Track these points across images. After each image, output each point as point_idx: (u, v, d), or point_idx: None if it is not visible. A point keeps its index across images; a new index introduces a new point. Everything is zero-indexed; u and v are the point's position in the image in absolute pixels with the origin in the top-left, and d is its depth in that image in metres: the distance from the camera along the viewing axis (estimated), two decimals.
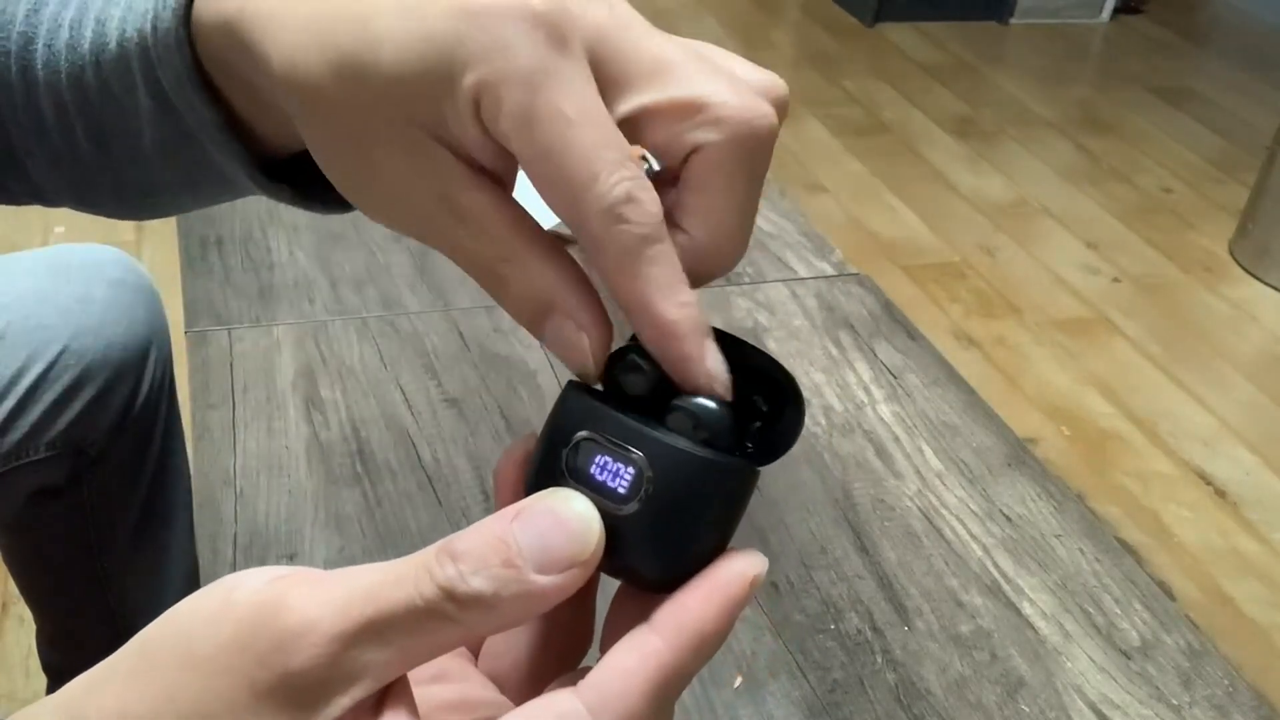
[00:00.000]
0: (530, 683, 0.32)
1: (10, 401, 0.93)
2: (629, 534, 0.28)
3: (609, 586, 0.30)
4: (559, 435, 0.29)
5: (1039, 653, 0.70)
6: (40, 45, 0.40)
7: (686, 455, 0.28)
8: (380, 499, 0.76)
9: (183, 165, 0.39)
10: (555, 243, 0.30)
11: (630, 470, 0.28)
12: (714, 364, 0.29)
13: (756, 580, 0.28)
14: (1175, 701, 0.68)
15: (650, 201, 0.28)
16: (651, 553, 0.28)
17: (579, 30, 0.28)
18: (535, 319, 0.30)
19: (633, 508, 0.28)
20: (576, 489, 0.28)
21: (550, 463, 0.29)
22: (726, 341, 0.31)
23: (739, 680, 0.67)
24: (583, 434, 0.29)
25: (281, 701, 0.25)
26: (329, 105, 0.30)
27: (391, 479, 0.77)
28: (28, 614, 1.22)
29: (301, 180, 0.38)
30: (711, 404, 0.29)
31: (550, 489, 0.27)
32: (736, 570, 0.28)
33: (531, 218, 0.30)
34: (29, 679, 1.41)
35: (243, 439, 0.79)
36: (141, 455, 1.05)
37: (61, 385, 0.95)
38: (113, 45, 0.37)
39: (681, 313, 0.28)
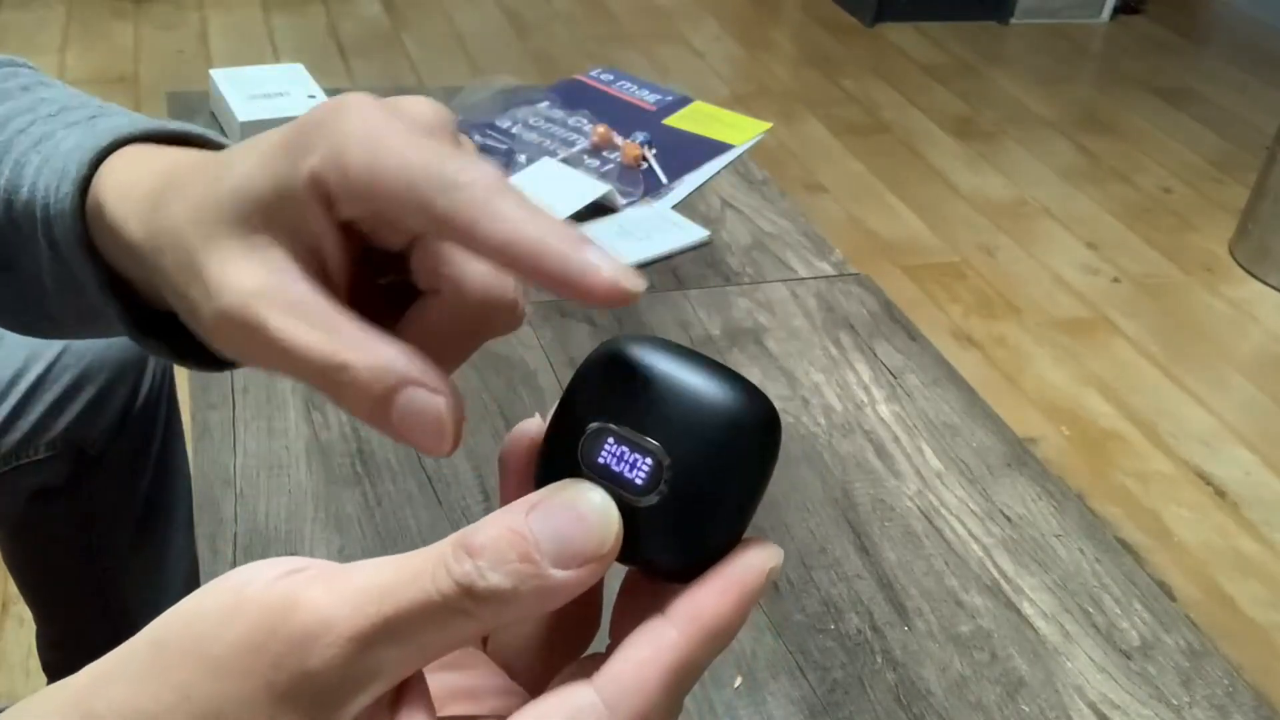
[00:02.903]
0: (539, 667, 0.32)
1: (10, 402, 0.93)
2: (647, 525, 0.27)
3: (617, 569, 0.30)
4: (571, 425, 0.29)
5: (1039, 653, 0.70)
6: None
7: (706, 442, 0.28)
8: (380, 499, 0.76)
9: (75, 306, 0.42)
10: (387, 332, 0.31)
11: (648, 461, 0.28)
12: (596, 256, 0.28)
13: (773, 572, 0.28)
14: (1175, 701, 0.68)
15: (485, 164, 0.29)
16: (670, 544, 0.28)
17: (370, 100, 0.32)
18: (383, 398, 0.30)
19: (651, 500, 0.28)
20: (592, 480, 0.28)
21: (563, 453, 0.29)
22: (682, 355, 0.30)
23: (739, 680, 0.67)
24: (597, 424, 0.29)
25: (300, 703, 0.25)
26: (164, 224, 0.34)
27: (391, 479, 0.77)
28: (28, 614, 1.22)
29: (181, 338, 0.41)
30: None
31: (566, 481, 0.27)
32: (754, 562, 0.28)
33: (361, 317, 0.32)
34: (29, 679, 1.41)
35: (243, 439, 0.79)
36: (141, 455, 1.05)
37: (61, 386, 0.95)
38: (24, 191, 0.40)
39: (541, 224, 0.28)
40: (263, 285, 0.31)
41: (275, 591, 0.25)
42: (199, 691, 0.25)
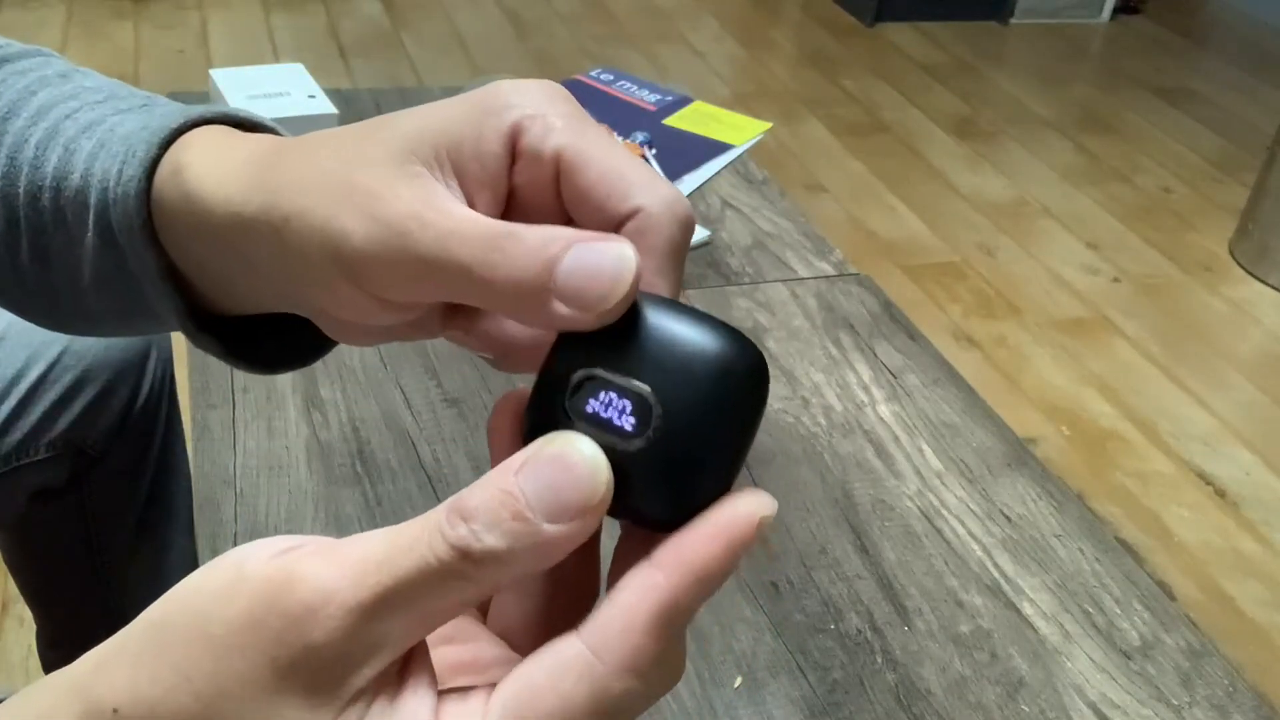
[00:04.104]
0: (540, 637, 0.32)
1: (11, 402, 0.93)
2: (637, 473, 0.27)
3: (612, 536, 0.30)
4: (558, 375, 0.29)
5: (1039, 653, 0.70)
6: (2, 156, 0.41)
7: (696, 387, 0.27)
8: (380, 499, 0.76)
9: (117, 300, 0.41)
10: None
11: (637, 406, 0.27)
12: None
13: (764, 521, 0.27)
14: (1175, 701, 0.68)
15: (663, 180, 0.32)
16: (660, 492, 0.27)
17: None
18: (552, 259, 0.28)
19: (640, 444, 0.27)
20: (581, 430, 0.27)
21: (550, 405, 0.29)
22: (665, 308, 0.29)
23: (739, 680, 0.67)
24: (584, 371, 0.28)
25: (304, 678, 0.25)
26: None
27: (391, 479, 0.77)
28: (28, 614, 1.22)
29: (229, 339, 0.41)
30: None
31: (552, 434, 0.27)
32: (742, 509, 0.27)
33: None
34: (29, 679, 1.41)
35: (243, 439, 0.79)
36: (142, 456, 1.05)
37: (62, 386, 0.95)
38: (76, 177, 0.39)
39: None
40: (431, 187, 0.31)
41: (274, 567, 0.25)
42: (200, 670, 0.25)
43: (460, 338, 0.36)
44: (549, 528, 0.25)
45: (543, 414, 0.29)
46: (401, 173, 0.31)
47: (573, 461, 0.26)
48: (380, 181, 0.31)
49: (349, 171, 0.32)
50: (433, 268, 0.30)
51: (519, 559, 0.25)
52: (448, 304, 0.34)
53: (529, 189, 0.33)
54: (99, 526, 1.05)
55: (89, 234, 0.39)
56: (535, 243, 0.29)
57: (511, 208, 0.33)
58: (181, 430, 1.10)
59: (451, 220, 0.30)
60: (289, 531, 0.72)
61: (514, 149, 0.32)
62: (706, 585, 0.26)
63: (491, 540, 0.25)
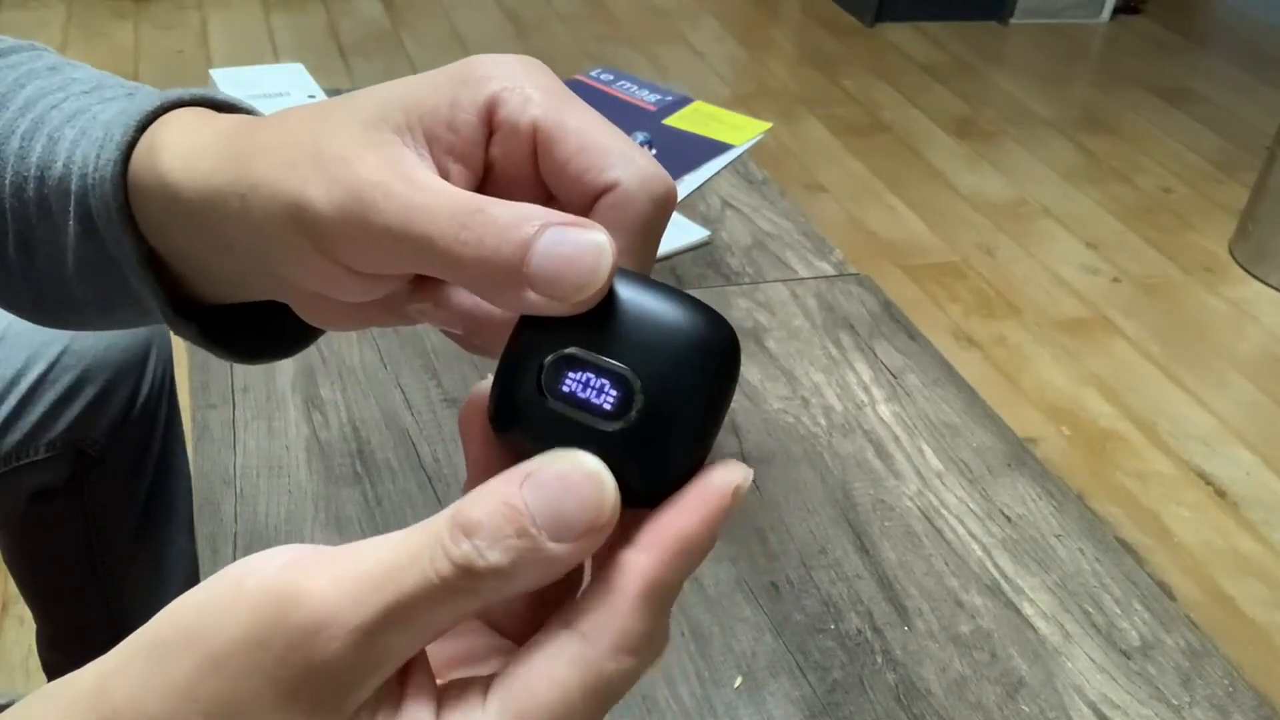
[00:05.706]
0: (528, 621, 0.32)
1: (11, 402, 0.93)
2: (616, 452, 0.27)
3: None
4: (528, 353, 0.28)
5: (1039, 653, 0.70)
6: None
7: (674, 364, 0.27)
8: (380, 499, 0.76)
9: (101, 289, 0.41)
10: None
11: (618, 386, 0.27)
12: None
13: (739, 490, 0.27)
14: (1175, 701, 0.68)
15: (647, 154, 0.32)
16: (640, 469, 0.27)
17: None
18: (525, 240, 0.28)
19: (619, 425, 0.27)
20: (556, 409, 0.27)
21: (520, 384, 0.28)
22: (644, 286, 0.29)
23: (739, 680, 0.67)
24: (559, 350, 0.28)
25: (309, 696, 0.25)
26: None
27: (391, 479, 0.77)
28: (28, 614, 1.22)
29: (214, 327, 0.41)
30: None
31: (559, 450, 0.26)
32: (716, 482, 0.27)
33: None
34: (29, 679, 1.41)
35: (243, 439, 0.79)
36: (141, 455, 1.05)
37: (62, 386, 0.95)
38: (59, 166, 0.39)
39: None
40: (400, 154, 0.31)
41: (276, 584, 0.25)
42: (205, 691, 0.25)
43: (429, 310, 0.35)
44: (553, 546, 0.25)
45: (511, 394, 0.28)
46: (370, 139, 0.31)
47: (575, 480, 0.25)
48: (347, 147, 0.31)
49: (317, 138, 0.31)
50: (397, 239, 0.29)
51: (522, 575, 0.25)
52: (417, 275, 0.33)
53: (506, 162, 0.32)
54: (99, 526, 1.05)
55: (71, 221, 0.39)
56: (507, 221, 0.28)
57: (489, 182, 0.33)
58: (181, 430, 1.10)
59: (418, 190, 0.29)
60: (289, 532, 0.73)
61: (491, 121, 0.32)
62: (690, 560, 0.27)
63: (495, 557, 0.24)
